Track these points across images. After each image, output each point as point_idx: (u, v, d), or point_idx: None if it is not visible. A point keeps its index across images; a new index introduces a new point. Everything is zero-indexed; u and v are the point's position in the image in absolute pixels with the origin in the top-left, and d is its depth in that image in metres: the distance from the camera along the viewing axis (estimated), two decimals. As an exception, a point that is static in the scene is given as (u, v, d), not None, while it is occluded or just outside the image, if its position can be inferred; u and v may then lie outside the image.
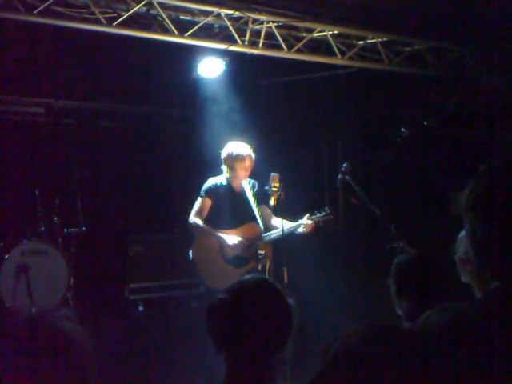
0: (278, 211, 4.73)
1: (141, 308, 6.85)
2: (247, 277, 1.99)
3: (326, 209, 4.90)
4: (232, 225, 4.85)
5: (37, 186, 6.10)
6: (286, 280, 4.49)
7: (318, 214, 4.85)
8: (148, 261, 6.99)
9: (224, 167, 4.90)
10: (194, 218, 4.86)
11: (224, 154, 4.89)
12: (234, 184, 4.95)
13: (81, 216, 6.20)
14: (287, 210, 4.71)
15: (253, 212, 4.83)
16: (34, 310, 4.92)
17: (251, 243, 4.81)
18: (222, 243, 4.77)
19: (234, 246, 4.75)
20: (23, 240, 5.76)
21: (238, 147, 4.87)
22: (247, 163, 4.83)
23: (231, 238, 4.78)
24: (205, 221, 4.86)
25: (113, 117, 7.55)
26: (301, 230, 4.80)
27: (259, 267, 4.71)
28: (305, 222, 4.77)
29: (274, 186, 4.59)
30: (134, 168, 7.39)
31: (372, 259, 6.63)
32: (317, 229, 4.85)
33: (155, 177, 7.42)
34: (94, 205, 6.87)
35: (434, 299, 2.41)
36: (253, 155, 4.88)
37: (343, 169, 5.09)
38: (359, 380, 1.07)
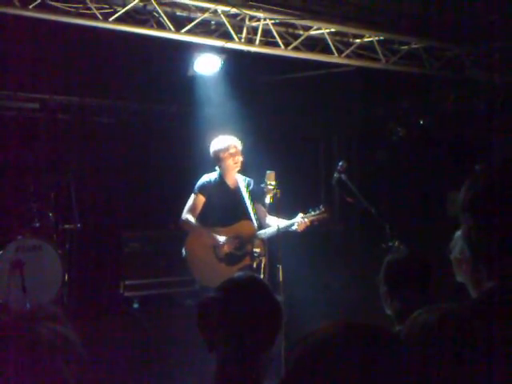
0: (274, 209, 4.72)
1: (136, 305, 6.83)
2: (237, 274, 1.99)
3: (321, 206, 4.83)
4: (225, 222, 4.83)
5: (31, 181, 6.08)
6: (280, 278, 4.48)
7: (313, 212, 4.79)
8: (143, 258, 6.97)
9: (216, 165, 4.91)
10: (186, 215, 4.84)
11: (211, 151, 4.91)
12: (228, 181, 4.93)
13: (76, 212, 6.18)
14: (283, 207, 4.70)
15: (247, 209, 4.81)
16: (28, 305, 4.91)
17: (243, 242, 4.79)
18: (213, 242, 4.75)
19: (226, 246, 4.74)
20: (18, 236, 5.74)
21: (223, 139, 4.91)
22: (233, 150, 4.84)
23: (222, 237, 4.75)
24: (198, 218, 4.84)
25: (108, 113, 7.52)
26: (294, 227, 4.73)
27: (254, 265, 4.70)
28: (299, 221, 4.72)
29: (270, 184, 4.58)
30: (130, 164, 7.37)
31: (367, 258, 6.63)
32: (312, 227, 4.82)
33: (151, 173, 7.40)
34: (89, 201, 6.84)
35: (428, 299, 2.40)
36: (238, 144, 4.89)
37: (339, 167, 5.09)
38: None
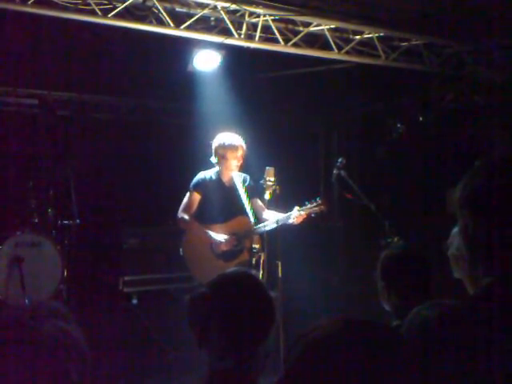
0: (273, 205, 4.71)
1: (135, 301, 6.85)
2: (229, 270, 1.98)
3: (318, 199, 4.78)
4: (222, 219, 4.81)
5: (31, 177, 6.08)
6: (279, 274, 4.48)
7: (309, 205, 4.75)
8: (142, 254, 6.98)
9: (214, 158, 4.82)
10: (181, 213, 4.82)
11: (215, 143, 4.77)
12: (225, 177, 4.89)
13: (75, 208, 6.18)
14: (282, 204, 4.69)
15: (243, 205, 4.77)
16: (27, 302, 4.91)
17: (240, 238, 4.78)
18: (210, 240, 4.74)
19: (222, 244, 4.73)
20: (17, 232, 5.74)
21: (230, 137, 4.79)
22: (240, 152, 4.76)
23: (219, 236, 4.74)
24: (194, 215, 4.82)
25: (107, 109, 7.52)
26: (291, 220, 4.65)
27: (253, 261, 4.68)
28: (295, 213, 4.67)
29: (269, 180, 4.55)
30: (129, 160, 7.38)
31: (367, 254, 6.64)
32: (308, 219, 4.78)
33: (150, 169, 7.41)
34: (88, 197, 6.85)
35: (425, 294, 2.40)
36: (244, 145, 4.82)
37: (338, 164, 5.09)
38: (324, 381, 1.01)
